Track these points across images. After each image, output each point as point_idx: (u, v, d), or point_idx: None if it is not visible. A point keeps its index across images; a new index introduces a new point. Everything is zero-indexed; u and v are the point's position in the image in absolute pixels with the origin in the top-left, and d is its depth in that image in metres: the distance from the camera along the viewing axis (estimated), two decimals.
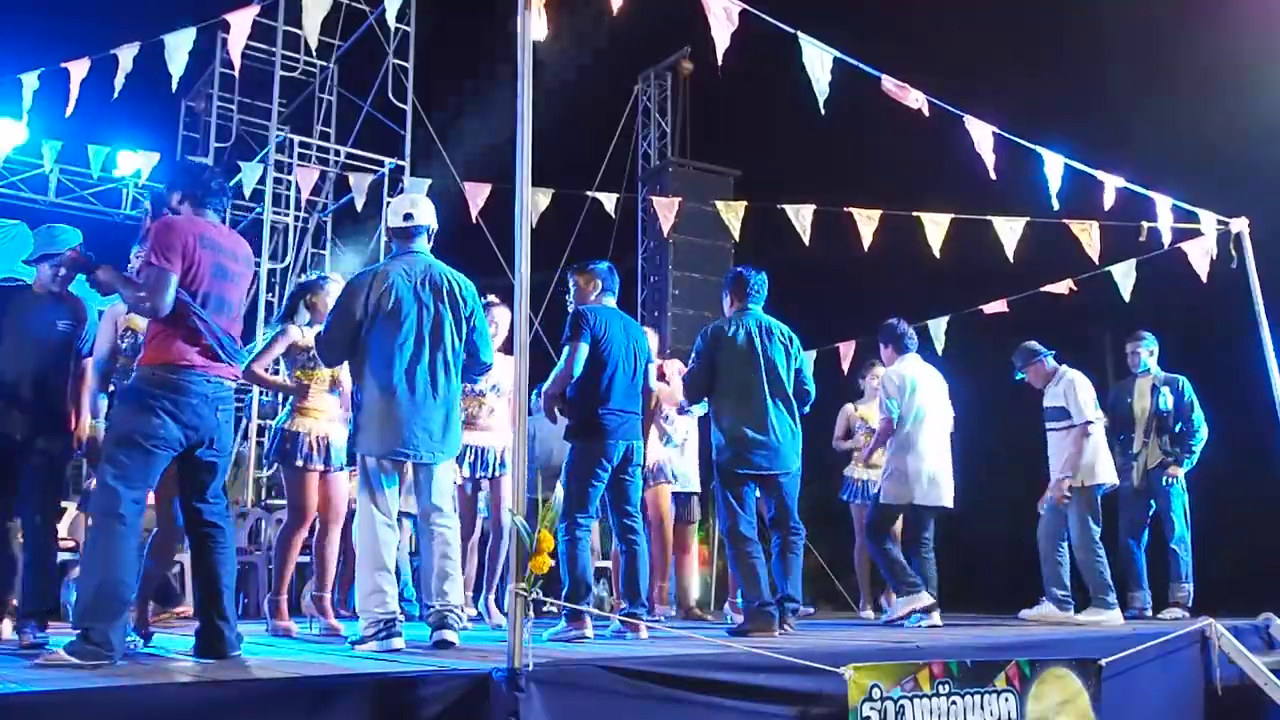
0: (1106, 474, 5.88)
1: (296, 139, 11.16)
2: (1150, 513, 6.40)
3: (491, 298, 5.42)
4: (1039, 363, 6.10)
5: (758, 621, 4.64)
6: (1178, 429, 6.38)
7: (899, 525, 5.86)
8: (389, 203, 4.36)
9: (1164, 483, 6.29)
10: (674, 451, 6.37)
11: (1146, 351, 6.61)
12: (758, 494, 4.98)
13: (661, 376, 5.77)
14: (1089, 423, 5.80)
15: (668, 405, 6.13)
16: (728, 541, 4.89)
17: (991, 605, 5.82)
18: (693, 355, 5.06)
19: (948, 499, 5.62)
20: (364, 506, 3.84)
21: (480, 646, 3.79)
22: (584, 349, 4.44)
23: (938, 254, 6.22)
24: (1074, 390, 5.89)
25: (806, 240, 6.48)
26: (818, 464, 6.55)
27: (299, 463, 4.79)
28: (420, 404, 3.85)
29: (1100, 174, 5.59)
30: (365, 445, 3.85)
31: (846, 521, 7.02)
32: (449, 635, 3.72)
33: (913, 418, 5.59)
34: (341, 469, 4.94)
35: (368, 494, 3.83)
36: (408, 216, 4.08)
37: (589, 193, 7.66)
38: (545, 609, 4.48)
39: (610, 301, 4.74)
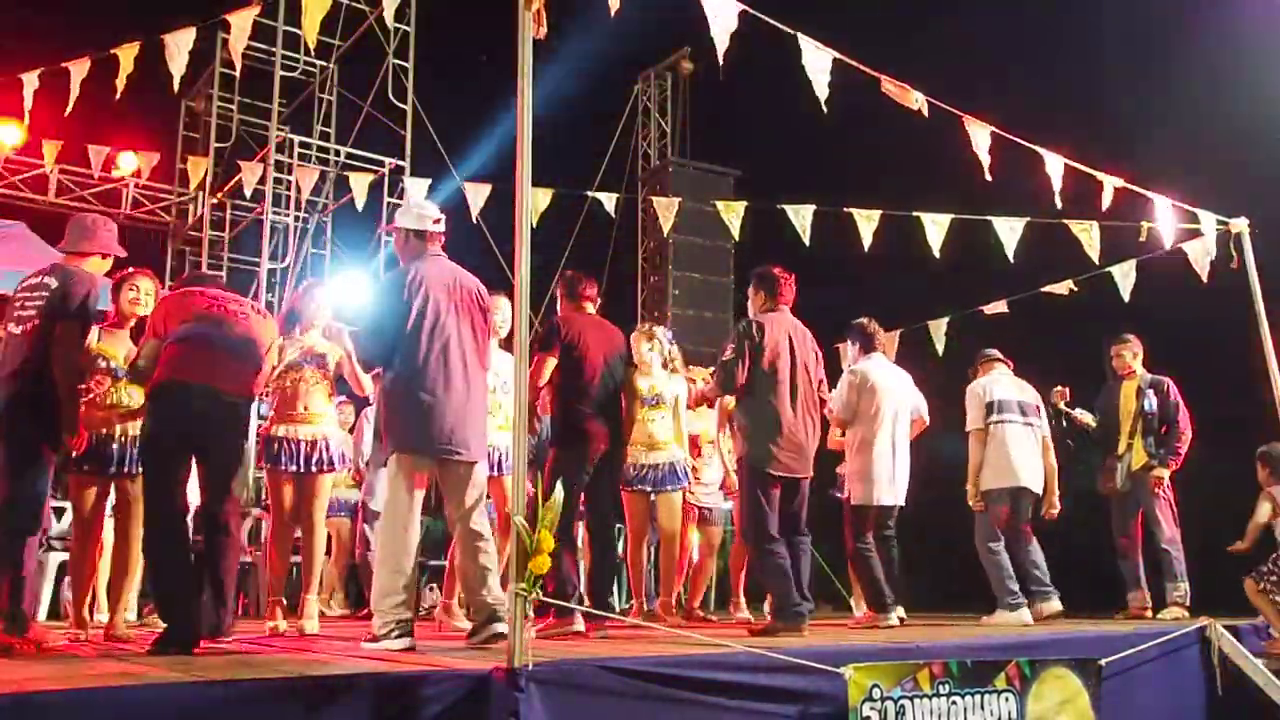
0: (1001, 479, 5.97)
1: (296, 139, 11.14)
2: (1138, 513, 6.43)
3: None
4: (981, 364, 6.32)
5: (788, 622, 4.62)
6: (1163, 431, 6.40)
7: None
8: (408, 202, 4.26)
9: (1149, 484, 6.31)
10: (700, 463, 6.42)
11: (1131, 353, 6.65)
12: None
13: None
14: (972, 431, 6.06)
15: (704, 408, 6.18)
16: (754, 542, 4.87)
17: (992, 605, 5.85)
18: (731, 346, 5.00)
19: (901, 497, 5.65)
20: (394, 505, 3.78)
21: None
22: (550, 361, 4.56)
23: (938, 254, 6.22)
24: (969, 400, 6.14)
25: (806, 240, 6.48)
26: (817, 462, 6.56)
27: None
28: (467, 403, 3.86)
29: (1100, 174, 5.59)
30: (406, 442, 3.78)
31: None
32: (501, 628, 3.58)
33: (874, 420, 5.57)
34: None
35: (397, 493, 3.78)
36: (437, 221, 4.08)
37: (589, 193, 7.66)
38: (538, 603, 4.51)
39: (589, 309, 4.81)
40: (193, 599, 3.71)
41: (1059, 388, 6.61)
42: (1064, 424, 6.49)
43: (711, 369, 6.46)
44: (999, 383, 6.14)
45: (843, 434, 6.24)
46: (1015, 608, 5.71)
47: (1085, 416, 6.61)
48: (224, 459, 3.92)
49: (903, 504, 5.69)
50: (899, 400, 5.69)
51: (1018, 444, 6.00)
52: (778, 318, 5.05)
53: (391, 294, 3.89)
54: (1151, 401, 6.45)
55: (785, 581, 4.73)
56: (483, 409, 4.04)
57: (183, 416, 3.79)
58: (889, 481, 5.55)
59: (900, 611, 5.45)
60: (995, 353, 6.36)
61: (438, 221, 4.09)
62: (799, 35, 4.38)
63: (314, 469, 4.96)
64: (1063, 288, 7.25)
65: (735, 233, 7.06)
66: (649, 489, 5.92)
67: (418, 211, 4.12)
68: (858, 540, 5.53)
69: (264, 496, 9.60)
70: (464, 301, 3.98)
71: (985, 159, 5.00)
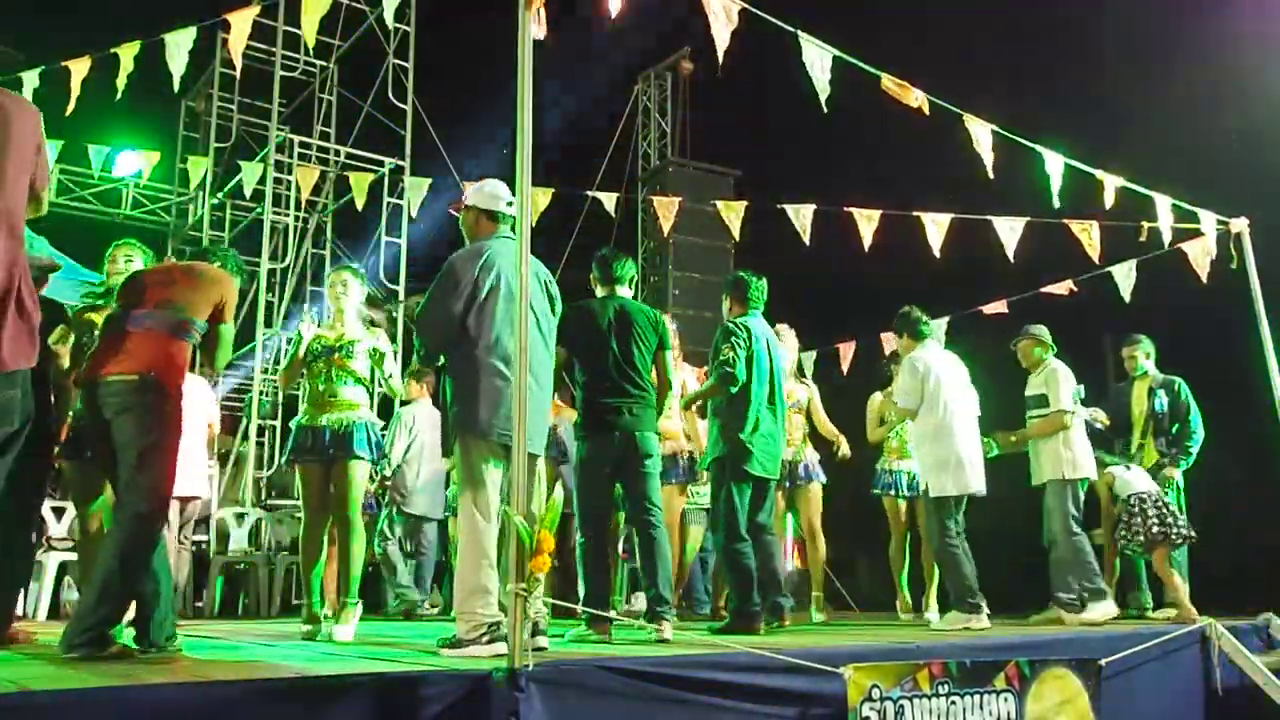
0: (1087, 469, 5.91)
1: (296, 139, 11.14)
2: None
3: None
4: (1032, 340, 6.17)
5: (747, 624, 4.70)
6: (1174, 430, 6.40)
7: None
8: (483, 184, 4.07)
9: (1160, 484, 6.31)
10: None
11: (1143, 354, 6.64)
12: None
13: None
14: (1065, 412, 5.88)
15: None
16: (726, 541, 4.91)
17: (989, 604, 5.83)
18: (725, 347, 4.99)
19: (983, 485, 5.56)
20: (483, 493, 3.54)
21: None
22: (560, 352, 4.27)
23: (938, 254, 6.23)
24: (1055, 379, 5.98)
25: (806, 240, 6.49)
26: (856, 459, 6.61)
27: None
28: (538, 391, 3.70)
29: (1100, 174, 5.59)
30: (484, 427, 3.54)
31: (876, 518, 6.81)
32: (541, 640, 3.51)
33: (943, 405, 5.48)
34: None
35: (475, 482, 3.55)
36: (510, 203, 3.90)
37: (589, 193, 7.66)
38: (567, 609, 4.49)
39: (621, 291, 4.63)
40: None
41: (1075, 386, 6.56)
42: None
43: (705, 367, 6.43)
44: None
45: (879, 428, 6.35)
46: (1102, 596, 5.61)
47: (1099, 415, 6.59)
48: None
49: (983, 492, 5.52)
50: (961, 386, 5.65)
51: (1084, 436, 6.01)
52: (753, 322, 5.11)
53: (462, 270, 3.68)
54: (1163, 402, 6.45)
55: (748, 583, 4.80)
56: (548, 398, 3.92)
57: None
58: (970, 468, 5.42)
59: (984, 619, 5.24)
60: (1046, 337, 6.21)
61: (510, 204, 3.92)
62: (799, 34, 4.39)
63: (341, 455, 4.67)
64: (1063, 288, 7.25)
65: (735, 233, 7.06)
66: None
67: (490, 191, 3.95)
68: (945, 536, 5.32)
69: (263, 496, 9.65)
70: (538, 287, 3.85)
71: (987, 156, 5.01)
